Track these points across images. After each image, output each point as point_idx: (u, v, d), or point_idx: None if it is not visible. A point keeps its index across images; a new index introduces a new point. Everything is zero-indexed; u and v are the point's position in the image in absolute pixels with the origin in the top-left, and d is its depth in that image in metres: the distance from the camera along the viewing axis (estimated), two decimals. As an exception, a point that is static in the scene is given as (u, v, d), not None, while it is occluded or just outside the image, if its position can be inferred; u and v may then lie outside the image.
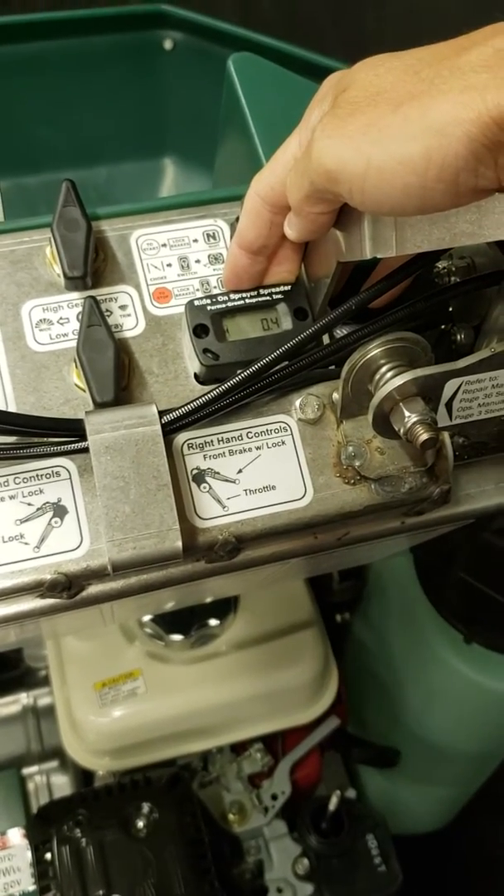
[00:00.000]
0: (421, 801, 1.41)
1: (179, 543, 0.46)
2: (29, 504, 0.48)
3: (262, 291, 0.53)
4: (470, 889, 1.59)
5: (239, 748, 1.16)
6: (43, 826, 0.94)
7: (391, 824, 1.15)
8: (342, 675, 1.17)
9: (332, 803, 1.06)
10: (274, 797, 1.12)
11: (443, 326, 0.56)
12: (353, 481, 0.52)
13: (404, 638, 1.22)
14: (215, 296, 0.52)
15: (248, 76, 0.65)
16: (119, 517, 0.46)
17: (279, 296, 0.53)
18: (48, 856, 0.92)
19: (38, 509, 0.48)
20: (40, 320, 0.52)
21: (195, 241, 0.56)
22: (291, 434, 0.52)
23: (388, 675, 1.28)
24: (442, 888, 1.57)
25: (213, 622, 1.07)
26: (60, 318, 0.53)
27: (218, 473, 0.51)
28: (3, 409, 0.49)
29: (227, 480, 0.51)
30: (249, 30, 0.94)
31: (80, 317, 0.51)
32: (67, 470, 0.49)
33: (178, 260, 0.56)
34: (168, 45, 1.02)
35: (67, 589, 0.48)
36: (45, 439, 0.48)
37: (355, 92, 0.40)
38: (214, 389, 0.49)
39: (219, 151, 0.76)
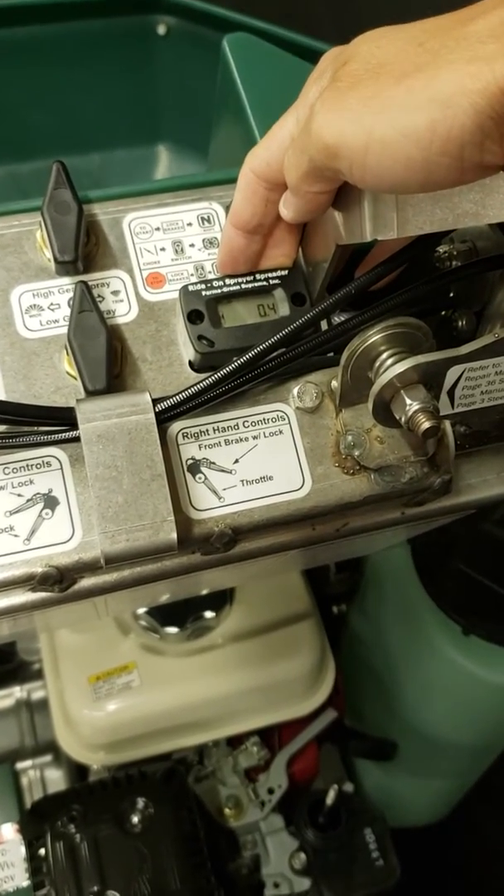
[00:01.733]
0: (418, 794, 1.40)
1: (174, 535, 0.45)
2: (19, 495, 0.47)
3: (258, 276, 0.51)
4: (468, 881, 1.59)
5: (235, 741, 1.15)
6: (36, 822, 0.93)
7: (389, 817, 1.14)
8: (339, 667, 1.16)
9: (330, 797, 1.05)
10: (270, 791, 1.11)
11: (443, 312, 0.55)
12: (352, 471, 0.51)
13: (401, 629, 1.21)
14: (210, 281, 0.51)
15: (243, 57, 0.63)
16: (112, 508, 0.45)
17: (276, 281, 0.51)
18: (42, 851, 0.91)
19: (28, 500, 0.47)
20: (30, 306, 0.51)
21: (189, 224, 0.55)
22: (289, 423, 0.51)
23: (385, 666, 1.27)
24: (440, 880, 1.56)
25: (209, 614, 1.06)
26: (51, 304, 0.51)
27: (214, 463, 0.50)
28: (-8, 397, 0.48)
29: (223, 470, 0.50)
30: (245, 14, 0.93)
31: (71, 302, 0.50)
32: (58, 460, 0.48)
33: (171, 244, 0.54)
34: (162, 30, 1.00)
35: (59, 582, 0.47)
36: (36, 428, 0.46)
37: (356, 65, 0.39)
38: (209, 377, 0.48)
39: (213, 134, 0.74)
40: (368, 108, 0.37)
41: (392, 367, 0.46)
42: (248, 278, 0.51)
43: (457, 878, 1.58)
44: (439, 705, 1.19)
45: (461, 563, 1.03)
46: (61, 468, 0.48)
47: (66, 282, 0.52)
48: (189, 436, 0.50)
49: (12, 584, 0.46)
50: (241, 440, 0.50)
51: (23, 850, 0.99)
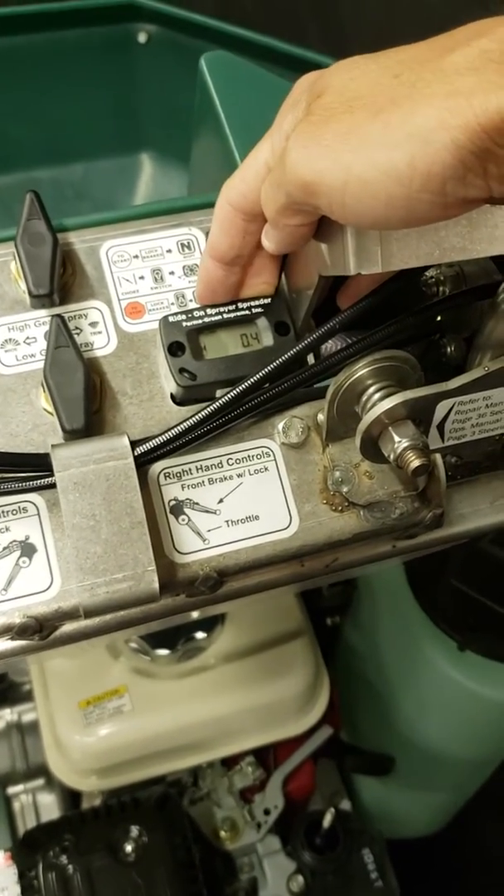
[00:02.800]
0: (416, 807, 1.39)
1: (156, 586, 0.43)
2: (-6, 543, 0.45)
3: (240, 305, 0.50)
4: (467, 890, 1.58)
5: (230, 762, 1.13)
6: (28, 852, 0.91)
7: (386, 830, 1.13)
8: (333, 680, 1.14)
9: (327, 820, 1.03)
10: (267, 812, 1.09)
11: (431, 338, 0.53)
12: (340, 508, 0.49)
13: (396, 644, 1.20)
14: (191, 311, 0.49)
15: (221, 75, 0.62)
16: (90, 559, 0.43)
17: (259, 309, 0.50)
18: (35, 883, 0.89)
19: (4, 548, 0.45)
20: (6, 340, 0.50)
21: (169, 251, 0.53)
22: (275, 459, 0.49)
23: (379, 680, 1.26)
24: (439, 891, 1.55)
25: (200, 635, 1.04)
26: (27, 338, 0.50)
27: (197, 504, 0.48)
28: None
29: (207, 511, 0.48)
30: (227, 22, 0.92)
31: (47, 336, 0.48)
32: (35, 505, 0.46)
33: (151, 272, 0.53)
34: (142, 38, 0.99)
35: (38, 632, 0.45)
36: (11, 475, 0.45)
37: (330, 98, 0.38)
38: (192, 417, 0.46)
39: (193, 151, 0.73)
40: (345, 144, 0.35)
41: (380, 403, 0.44)
42: (230, 307, 0.50)
43: (456, 888, 1.57)
44: (436, 720, 1.18)
45: (455, 579, 1.02)
46: (38, 514, 0.46)
47: (43, 314, 0.50)
48: (171, 476, 0.48)
49: (-10, 635, 0.45)
50: (225, 479, 0.48)
51: (16, 876, 0.97)
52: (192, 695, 1.03)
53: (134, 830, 0.91)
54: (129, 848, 0.90)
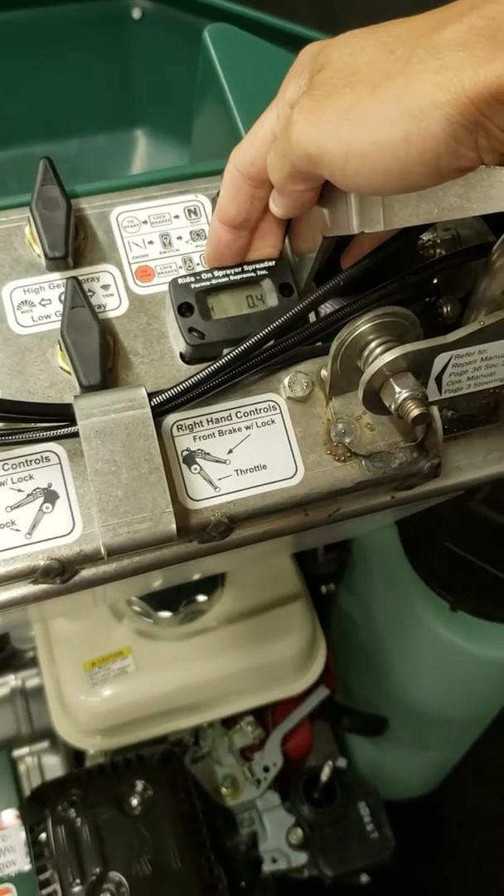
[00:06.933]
0: (409, 767, 1.42)
1: (174, 526, 0.46)
2: (19, 490, 0.48)
3: (245, 268, 0.52)
4: (457, 849, 1.62)
5: (230, 722, 1.16)
6: (37, 807, 0.94)
7: (379, 790, 1.16)
8: (329, 646, 1.17)
9: (325, 774, 1.07)
10: (266, 769, 1.13)
11: (427, 299, 0.56)
12: (343, 458, 0.52)
13: (389, 607, 1.23)
14: (199, 273, 0.52)
15: (224, 48, 0.64)
16: (112, 502, 0.46)
17: (263, 272, 0.52)
18: (43, 836, 0.92)
19: (28, 495, 0.48)
20: (22, 302, 0.52)
21: (176, 217, 0.55)
22: (280, 412, 0.52)
23: (373, 644, 1.29)
24: (429, 850, 1.59)
25: (201, 598, 1.07)
26: (42, 300, 0.52)
27: (208, 454, 0.50)
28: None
29: (217, 461, 0.50)
30: (220, -2, 0.93)
31: (62, 297, 0.51)
32: (57, 455, 0.49)
33: (159, 237, 0.55)
34: (136, 14, 1.01)
35: (61, 574, 0.48)
36: (34, 424, 0.47)
37: (331, 73, 0.40)
38: (204, 370, 0.49)
39: (195, 123, 0.74)
40: (346, 120, 0.38)
41: (381, 356, 0.47)
42: (236, 270, 0.52)
43: (446, 847, 1.60)
44: (428, 680, 1.21)
45: (447, 540, 1.05)
46: (60, 463, 0.49)
47: (57, 277, 0.52)
48: (183, 428, 0.51)
49: (15, 577, 0.47)
50: (234, 431, 0.51)
51: (23, 835, 1.00)
52: (194, 656, 1.05)
53: (139, 785, 0.94)
54: (134, 801, 0.93)
